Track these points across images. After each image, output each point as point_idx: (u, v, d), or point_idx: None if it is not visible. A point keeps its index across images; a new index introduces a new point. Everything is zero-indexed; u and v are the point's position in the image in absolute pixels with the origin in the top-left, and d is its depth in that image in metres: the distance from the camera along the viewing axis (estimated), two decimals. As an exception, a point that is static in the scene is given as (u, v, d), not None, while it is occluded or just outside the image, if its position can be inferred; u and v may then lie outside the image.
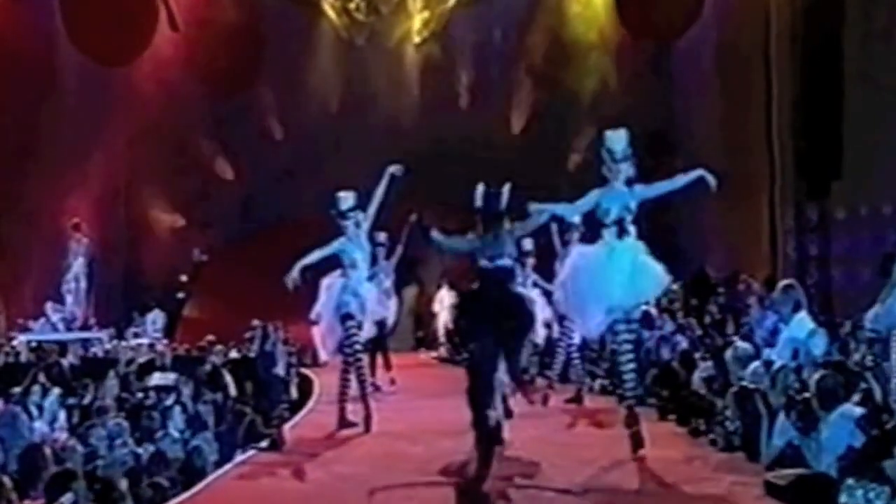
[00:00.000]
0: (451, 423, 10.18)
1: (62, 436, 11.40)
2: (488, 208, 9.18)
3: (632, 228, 9.56)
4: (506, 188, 9.25)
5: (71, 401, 13.20)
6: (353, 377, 11.60)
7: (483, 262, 9.03)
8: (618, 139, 9.56)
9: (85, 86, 22.85)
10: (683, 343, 13.67)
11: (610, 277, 9.37)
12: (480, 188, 9.29)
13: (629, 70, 23.87)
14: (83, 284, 21.01)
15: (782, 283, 11.01)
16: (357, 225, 11.60)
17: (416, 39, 25.21)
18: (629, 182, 9.54)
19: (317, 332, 12.78)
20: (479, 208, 9.22)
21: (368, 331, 12.21)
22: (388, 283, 15.24)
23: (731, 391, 9.69)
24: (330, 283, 11.75)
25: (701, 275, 20.33)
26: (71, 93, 22.66)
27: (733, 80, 21.26)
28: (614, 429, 10.61)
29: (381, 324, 14.31)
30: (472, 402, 8.78)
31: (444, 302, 20.71)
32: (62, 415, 12.37)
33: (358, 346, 11.54)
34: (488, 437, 8.78)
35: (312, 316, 12.20)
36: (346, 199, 11.67)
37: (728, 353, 10.78)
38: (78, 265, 20.96)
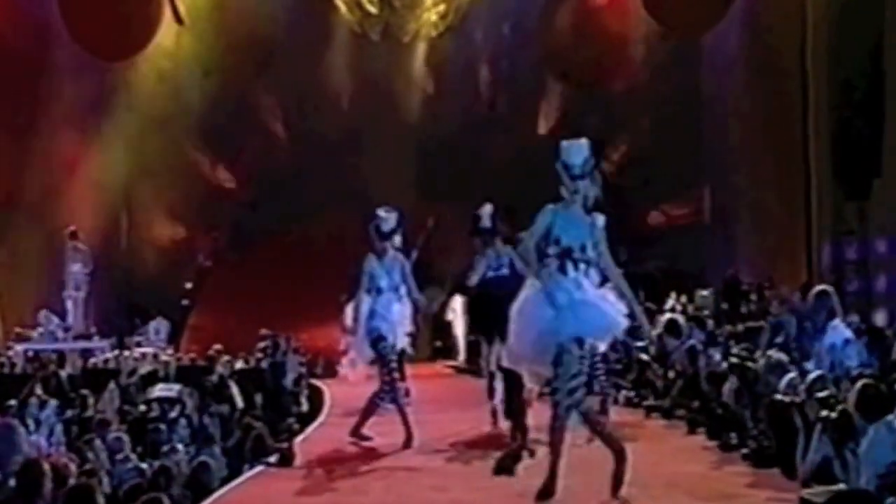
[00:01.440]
0: (468, 437, 10.19)
1: (60, 450, 11.43)
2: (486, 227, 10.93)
3: (585, 262, 8.25)
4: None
5: (69, 413, 13.27)
6: (387, 398, 11.56)
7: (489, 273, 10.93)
8: (576, 152, 8.30)
9: (82, 83, 22.93)
10: (713, 353, 13.63)
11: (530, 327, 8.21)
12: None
13: (657, 68, 23.84)
14: (83, 292, 21.07)
15: (815, 289, 10.99)
16: (393, 249, 11.52)
17: (432, 34, 25.24)
18: (588, 205, 8.32)
19: (347, 345, 12.84)
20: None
21: (400, 345, 12.26)
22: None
23: (765, 403, 9.67)
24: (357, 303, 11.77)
25: (733, 281, 20.29)
26: (68, 91, 22.73)
27: (766, 79, 21.23)
28: (639, 442, 10.59)
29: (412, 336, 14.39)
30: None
31: (457, 310, 20.71)
32: (59, 428, 12.41)
33: (393, 366, 11.58)
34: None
35: (346, 325, 12.41)
36: (389, 219, 11.44)
37: (760, 363, 10.76)
38: (76, 273, 20.98)
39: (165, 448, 10.86)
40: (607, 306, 8.21)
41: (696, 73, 23.74)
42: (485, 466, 9.67)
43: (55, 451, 11.39)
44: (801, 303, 15.58)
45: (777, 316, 14.88)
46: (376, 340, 11.36)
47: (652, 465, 9.50)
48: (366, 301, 11.48)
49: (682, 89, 23.43)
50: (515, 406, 10.68)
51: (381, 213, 11.46)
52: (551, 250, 8.17)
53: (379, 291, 11.42)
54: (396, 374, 11.69)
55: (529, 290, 8.29)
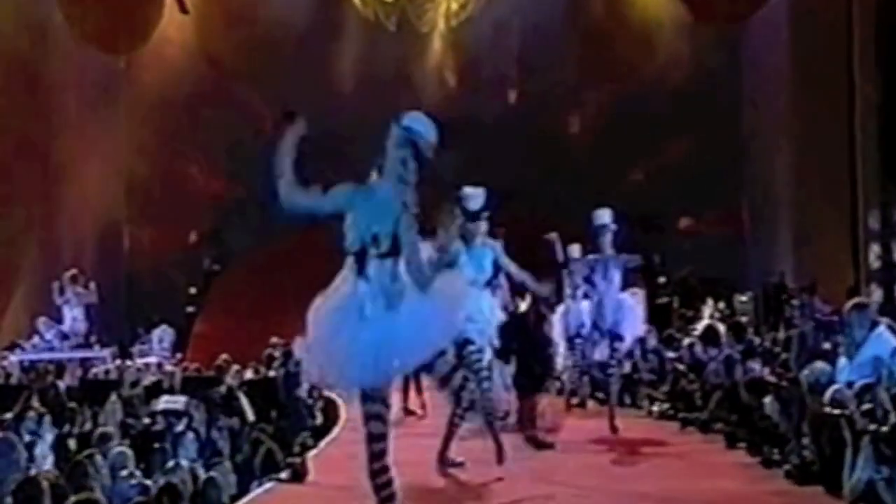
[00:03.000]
0: (489, 452, 10.18)
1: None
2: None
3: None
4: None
5: (68, 428, 13.29)
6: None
7: None
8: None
9: (82, 80, 23.02)
10: (754, 362, 13.59)
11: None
12: None
13: (692, 62, 23.82)
14: (82, 302, 21.00)
15: (853, 301, 10.92)
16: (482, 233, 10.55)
17: (451, 23, 25.25)
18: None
19: None
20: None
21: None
22: None
23: (809, 416, 9.62)
24: None
25: (779, 285, 20.21)
26: (66, 87, 22.81)
27: (810, 77, 21.14)
28: (674, 458, 10.59)
29: None
30: None
31: None
32: (49, 440, 12.39)
33: (484, 374, 10.77)
34: None
35: None
36: (476, 196, 10.40)
37: (804, 373, 10.70)
38: (75, 320, 20.72)
39: (171, 464, 10.85)
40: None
41: (736, 71, 23.72)
42: (502, 486, 9.66)
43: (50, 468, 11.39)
44: (824, 305, 15.60)
45: (824, 322, 14.86)
46: (462, 345, 10.30)
47: (688, 482, 9.50)
48: None
49: (720, 87, 23.40)
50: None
51: (467, 189, 10.50)
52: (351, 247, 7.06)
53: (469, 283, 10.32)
54: (488, 384, 10.82)
55: None
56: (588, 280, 13.45)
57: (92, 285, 20.53)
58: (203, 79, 24.39)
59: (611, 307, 12.94)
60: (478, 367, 10.43)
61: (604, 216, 12.86)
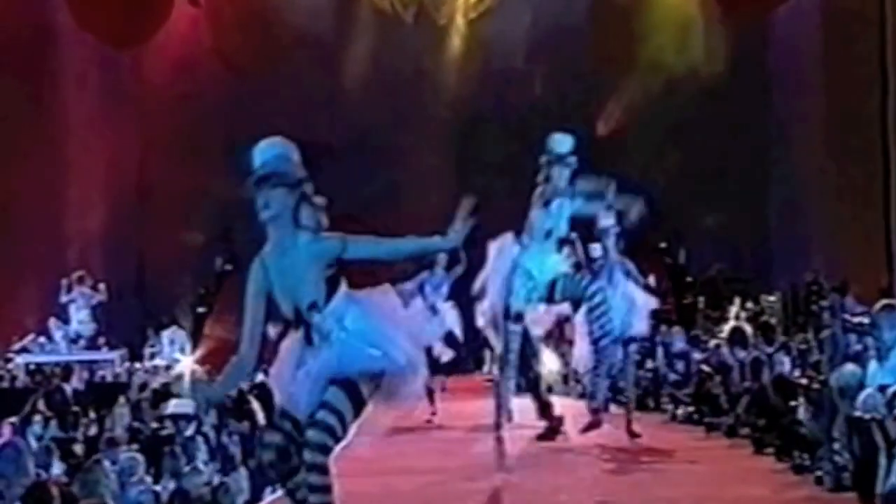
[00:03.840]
0: (510, 457, 10.20)
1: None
2: None
3: None
4: None
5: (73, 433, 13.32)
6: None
7: None
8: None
9: (89, 76, 23.05)
10: (783, 363, 13.56)
11: None
12: None
13: (718, 55, 23.74)
14: (90, 303, 21.00)
15: (882, 302, 10.87)
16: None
17: (471, 15, 25.21)
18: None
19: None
20: None
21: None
22: (437, 297, 15.21)
23: (841, 420, 9.58)
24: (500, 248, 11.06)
25: (813, 284, 20.10)
26: (73, 84, 22.85)
27: (841, 67, 21.04)
28: (700, 463, 10.57)
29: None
30: None
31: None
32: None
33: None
34: None
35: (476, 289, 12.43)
36: (564, 140, 10.24)
37: (834, 376, 10.66)
38: (82, 324, 20.69)
39: (186, 469, 10.85)
40: None
41: (764, 65, 23.64)
42: (527, 489, 9.66)
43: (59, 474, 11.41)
44: (856, 305, 15.52)
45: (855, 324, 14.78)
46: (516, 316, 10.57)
47: (715, 489, 9.48)
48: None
49: (748, 80, 23.32)
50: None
51: (556, 135, 10.36)
52: None
53: (546, 236, 10.31)
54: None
55: None
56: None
57: (101, 287, 20.52)
58: (214, 74, 24.37)
59: (619, 312, 12.71)
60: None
61: (609, 218, 12.76)
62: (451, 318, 15.25)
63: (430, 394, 15.30)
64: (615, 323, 12.59)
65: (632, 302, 12.85)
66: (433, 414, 15.24)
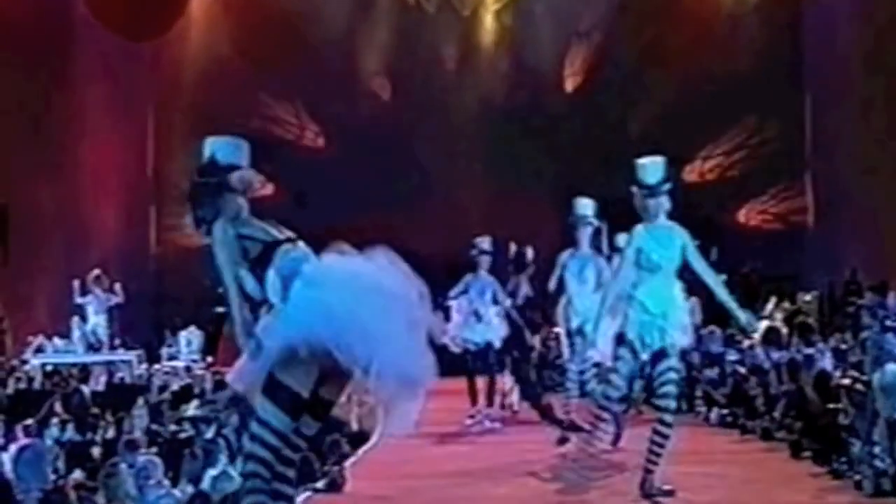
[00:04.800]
0: (537, 462, 10.18)
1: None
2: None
3: None
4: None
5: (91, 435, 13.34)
6: None
7: None
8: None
9: (106, 69, 23.12)
10: (822, 364, 13.46)
11: None
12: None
13: (752, 46, 23.68)
14: (105, 306, 20.96)
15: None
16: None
17: (496, 6, 25.20)
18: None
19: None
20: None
21: None
22: (482, 303, 14.86)
23: (882, 423, 9.53)
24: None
25: (852, 281, 20.02)
26: (90, 78, 22.92)
27: (879, 56, 20.94)
28: (735, 467, 10.53)
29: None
30: None
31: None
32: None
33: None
34: None
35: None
36: (655, 166, 9.74)
37: (875, 378, 10.60)
38: (98, 323, 20.62)
39: (215, 472, 10.83)
40: None
41: (799, 55, 23.58)
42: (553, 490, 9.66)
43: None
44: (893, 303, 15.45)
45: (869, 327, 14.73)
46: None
47: (751, 494, 9.45)
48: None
49: (783, 72, 23.26)
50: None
51: (643, 159, 9.83)
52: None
53: (652, 270, 9.50)
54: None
55: None
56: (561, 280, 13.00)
57: (118, 287, 20.49)
58: (232, 66, 24.44)
59: (582, 309, 12.47)
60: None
61: (585, 207, 12.70)
62: (495, 325, 14.91)
63: (472, 389, 15.30)
64: (573, 322, 12.62)
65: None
66: (472, 416, 15.17)
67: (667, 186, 9.43)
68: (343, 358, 6.35)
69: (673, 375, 9.42)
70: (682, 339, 9.58)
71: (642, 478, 9.36)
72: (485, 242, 14.77)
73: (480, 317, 14.84)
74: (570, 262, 12.75)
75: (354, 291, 6.46)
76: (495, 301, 14.78)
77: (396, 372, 6.39)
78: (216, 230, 6.81)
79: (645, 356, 9.39)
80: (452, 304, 15.24)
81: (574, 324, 12.64)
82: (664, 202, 9.41)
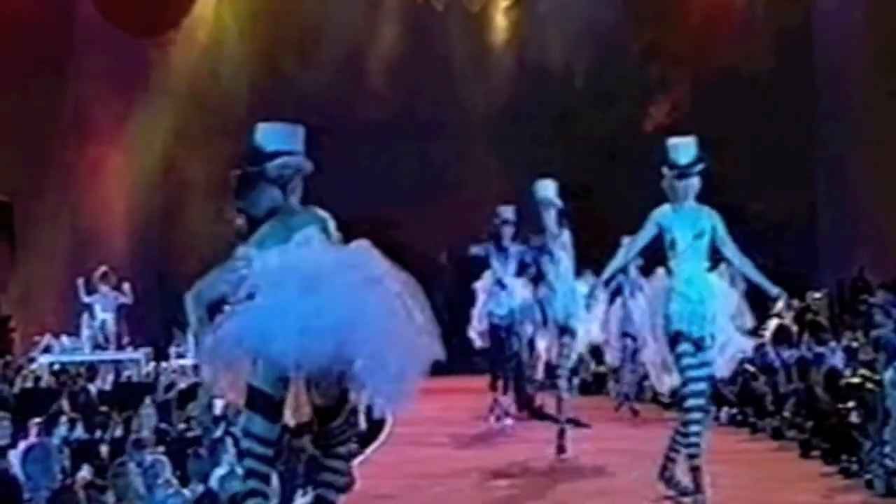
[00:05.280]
0: (540, 461, 10.22)
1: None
2: None
3: None
4: None
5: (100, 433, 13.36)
6: None
7: None
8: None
9: (113, 65, 23.13)
10: (833, 362, 13.47)
11: None
12: None
13: (763, 41, 23.64)
14: (113, 305, 20.95)
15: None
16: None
17: (505, 3, 25.19)
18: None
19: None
20: None
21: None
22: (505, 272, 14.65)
23: (893, 422, 9.53)
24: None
25: (859, 279, 20.02)
26: (97, 74, 22.94)
27: (888, 55, 20.93)
28: (745, 466, 10.53)
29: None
30: None
31: None
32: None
33: None
34: None
35: None
36: (687, 146, 9.68)
37: (887, 376, 10.60)
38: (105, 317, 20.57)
39: (223, 471, 10.83)
40: None
41: (810, 51, 23.55)
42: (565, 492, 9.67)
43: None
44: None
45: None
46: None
47: (760, 493, 9.46)
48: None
49: (793, 68, 23.22)
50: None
51: (674, 139, 9.80)
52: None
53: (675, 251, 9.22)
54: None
55: None
56: (536, 264, 12.91)
57: (126, 286, 20.47)
58: (240, 61, 24.44)
59: (561, 296, 12.39)
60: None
61: (547, 189, 12.43)
62: (519, 294, 14.48)
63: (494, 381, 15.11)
64: (558, 311, 12.38)
65: (574, 289, 12.45)
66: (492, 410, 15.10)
67: (699, 167, 9.31)
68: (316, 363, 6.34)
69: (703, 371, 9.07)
70: (729, 334, 9.22)
71: (662, 465, 9.28)
72: (508, 211, 14.45)
73: (504, 286, 14.55)
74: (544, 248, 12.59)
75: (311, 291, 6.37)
76: (520, 272, 14.29)
77: (374, 356, 6.31)
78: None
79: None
80: (478, 285, 15.20)
81: (559, 319, 12.40)
82: (694, 183, 9.29)
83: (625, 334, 15.47)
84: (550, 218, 12.39)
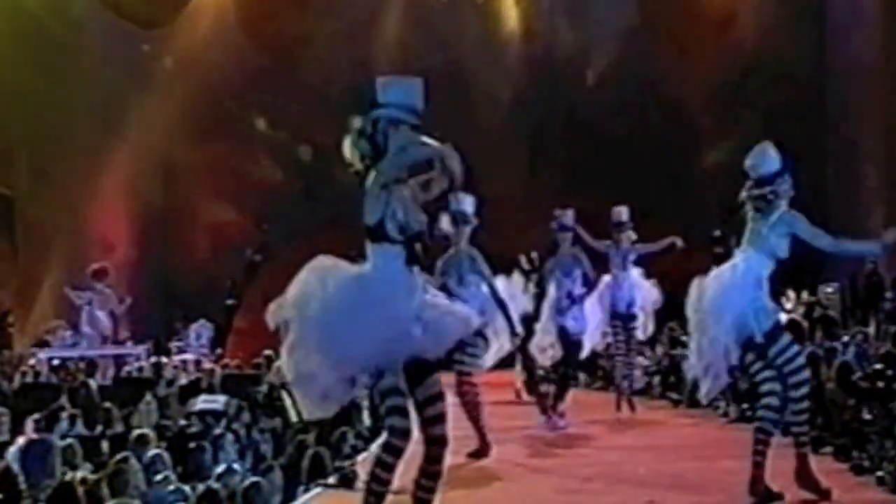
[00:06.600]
0: (543, 461, 10.20)
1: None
2: None
3: None
4: None
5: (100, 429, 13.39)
6: None
7: None
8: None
9: (114, 61, 23.16)
10: (844, 357, 13.43)
11: None
12: None
13: (774, 30, 23.61)
14: (104, 307, 20.92)
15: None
16: None
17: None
18: None
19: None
20: None
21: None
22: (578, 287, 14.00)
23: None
24: None
25: (872, 276, 19.98)
26: (98, 70, 22.95)
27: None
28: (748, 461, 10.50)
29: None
30: None
31: None
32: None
33: None
34: None
35: None
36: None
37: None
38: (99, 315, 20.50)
39: (220, 469, 10.85)
40: None
41: (821, 41, 23.52)
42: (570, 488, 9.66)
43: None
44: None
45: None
46: None
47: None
48: None
49: (804, 58, 23.19)
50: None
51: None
52: None
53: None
54: None
55: None
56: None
57: (126, 302, 20.43)
58: (241, 56, 24.42)
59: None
60: None
61: (464, 203, 11.91)
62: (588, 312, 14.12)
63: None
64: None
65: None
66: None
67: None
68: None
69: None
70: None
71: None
72: (566, 217, 13.60)
73: (574, 299, 13.60)
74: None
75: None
76: (586, 283, 13.63)
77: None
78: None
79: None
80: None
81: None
82: None
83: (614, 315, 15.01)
84: (464, 234, 11.85)
